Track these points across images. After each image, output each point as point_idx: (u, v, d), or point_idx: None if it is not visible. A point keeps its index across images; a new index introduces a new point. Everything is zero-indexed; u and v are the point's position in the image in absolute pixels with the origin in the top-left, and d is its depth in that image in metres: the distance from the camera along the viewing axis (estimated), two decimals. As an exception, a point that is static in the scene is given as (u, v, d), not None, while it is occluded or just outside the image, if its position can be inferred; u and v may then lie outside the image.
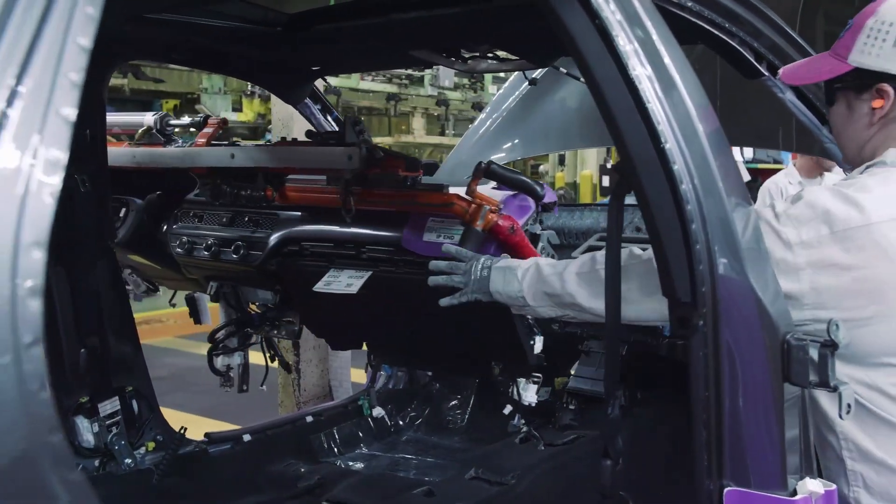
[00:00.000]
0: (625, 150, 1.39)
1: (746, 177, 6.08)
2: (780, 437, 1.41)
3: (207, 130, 2.75)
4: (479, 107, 18.05)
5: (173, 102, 16.48)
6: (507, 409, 3.15)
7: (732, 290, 1.38)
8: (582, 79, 2.72)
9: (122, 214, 2.87)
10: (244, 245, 2.65)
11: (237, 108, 14.63)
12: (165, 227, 2.88)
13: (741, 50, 1.92)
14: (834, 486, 1.44)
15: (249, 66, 2.80)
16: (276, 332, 3.08)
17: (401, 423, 3.45)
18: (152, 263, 3.00)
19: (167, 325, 8.95)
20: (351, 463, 3.18)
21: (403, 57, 2.68)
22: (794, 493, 1.40)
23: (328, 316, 2.88)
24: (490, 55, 2.56)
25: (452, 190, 2.26)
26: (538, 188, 2.29)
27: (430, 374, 3.57)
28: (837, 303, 1.48)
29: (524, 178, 2.30)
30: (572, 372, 3.37)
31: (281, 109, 4.15)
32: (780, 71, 1.85)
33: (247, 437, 3.01)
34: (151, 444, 2.80)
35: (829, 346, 1.35)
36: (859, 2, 3.57)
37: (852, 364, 1.50)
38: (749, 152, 8.54)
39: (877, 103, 1.61)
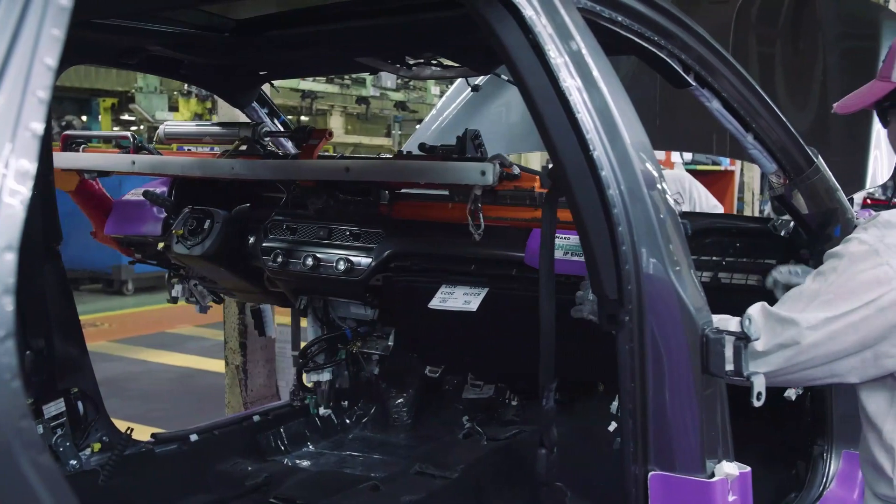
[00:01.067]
0: (556, 158, 1.48)
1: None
2: (700, 425, 1.51)
3: (313, 142, 2.67)
4: (402, 106, 17.94)
5: (111, 101, 16.23)
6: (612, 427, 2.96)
7: (656, 288, 1.48)
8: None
9: (206, 226, 2.81)
10: (348, 259, 2.62)
11: (174, 107, 14.47)
12: (253, 240, 2.84)
13: (669, 61, 2.01)
14: (748, 469, 1.55)
15: (198, 71, 2.83)
16: (366, 347, 3.06)
17: (347, 421, 3.51)
18: (234, 276, 2.95)
19: (101, 329, 8.89)
20: (298, 461, 3.23)
21: (349, 63, 2.74)
22: (713, 475, 1.50)
23: (428, 332, 2.86)
24: (434, 62, 2.64)
25: None
26: (679, 205, 2.30)
27: (376, 372, 3.62)
28: None
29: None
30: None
31: (227, 112, 4.18)
32: (835, 106, 1.93)
33: (194, 437, 3.04)
34: (97, 446, 2.81)
35: (743, 339, 1.46)
36: (783, 27, 3.73)
37: None
38: (688, 154, 8.76)
39: None
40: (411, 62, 2.64)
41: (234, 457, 3.12)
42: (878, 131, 3.04)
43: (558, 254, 2.28)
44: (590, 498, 2.55)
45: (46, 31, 0.74)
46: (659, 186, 1.55)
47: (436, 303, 2.42)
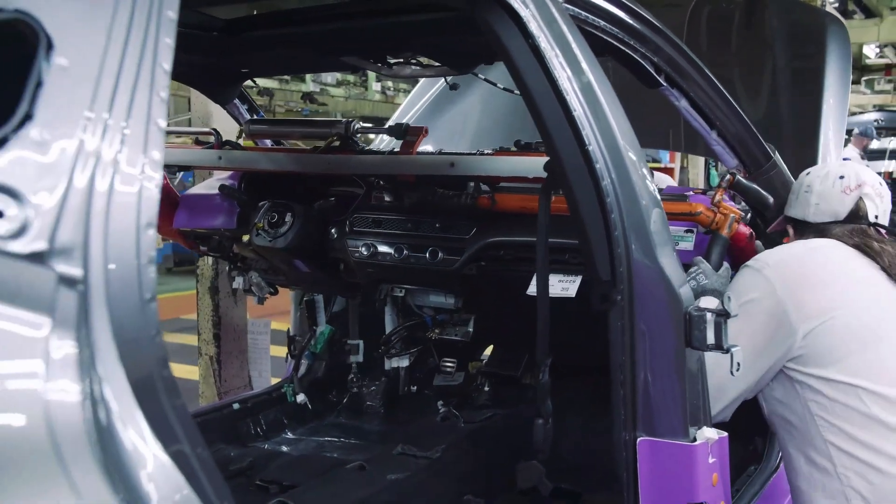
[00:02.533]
0: (554, 152, 1.62)
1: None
2: (683, 394, 1.66)
3: (411, 138, 2.74)
4: (309, 98, 17.87)
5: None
6: None
7: (645, 270, 1.63)
8: (499, 85, 2.96)
9: (286, 219, 2.85)
10: (442, 250, 2.69)
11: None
12: (336, 232, 2.90)
13: (643, 63, 2.17)
14: (725, 434, 1.71)
15: (184, 68, 2.90)
16: (445, 334, 3.12)
17: (323, 408, 3.62)
18: (311, 267, 3.01)
19: None
20: (278, 447, 3.33)
21: (332, 62, 2.85)
22: (695, 439, 1.66)
23: (512, 320, 2.91)
24: (414, 61, 2.76)
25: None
26: (770, 202, 2.48)
27: (354, 364, 3.73)
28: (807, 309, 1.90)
29: (762, 191, 2.47)
30: (483, 357, 3.62)
31: (200, 108, 4.23)
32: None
33: None
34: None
35: (723, 315, 1.62)
36: (733, 30, 3.93)
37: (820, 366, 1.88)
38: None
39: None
40: (392, 61, 2.75)
41: (216, 443, 3.21)
42: (826, 130, 3.26)
43: None
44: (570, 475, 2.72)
45: (163, 41, 0.86)
46: (644, 175, 1.71)
47: (532, 290, 2.41)
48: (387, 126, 2.94)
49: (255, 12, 2.46)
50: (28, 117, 0.69)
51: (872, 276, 1.99)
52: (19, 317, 0.64)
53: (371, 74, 18.70)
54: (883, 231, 2.12)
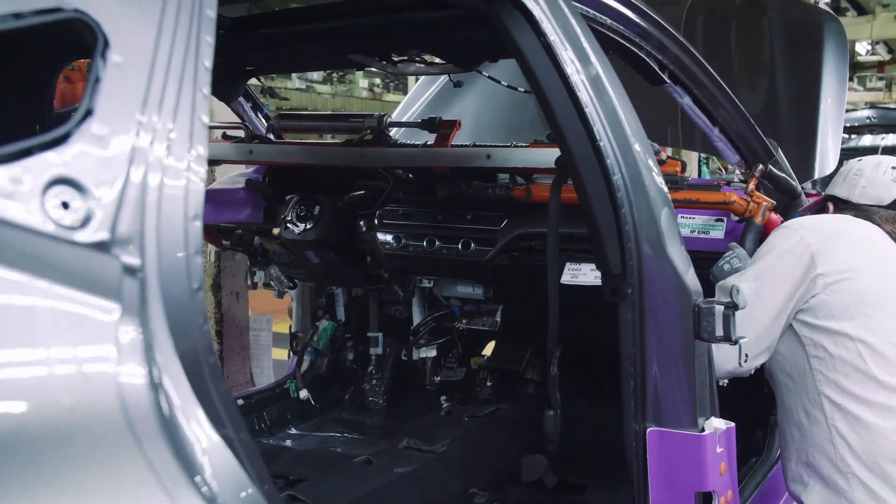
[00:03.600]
0: (566, 147, 1.65)
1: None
2: (692, 385, 1.70)
3: (445, 131, 2.79)
4: (270, 92, 17.92)
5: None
6: None
7: (654, 264, 1.67)
8: (504, 82, 2.98)
9: (315, 212, 2.87)
10: (474, 241, 2.72)
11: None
12: (364, 225, 2.92)
13: (648, 61, 2.20)
14: (733, 424, 1.75)
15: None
16: (473, 324, 3.15)
17: (326, 404, 3.65)
18: (338, 259, 3.03)
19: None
20: (282, 442, 3.35)
21: (337, 60, 2.87)
22: (703, 429, 1.70)
23: (540, 310, 2.96)
24: (418, 59, 2.79)
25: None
26: (799, 191, 2.58)
27: (350, 357, 3.76)
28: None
29: (791, 181, 2.59)
30: (484, 353, 3.65)
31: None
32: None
33: None
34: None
35: (732, 308, 1.65)
36: (731, 28, 3.95)
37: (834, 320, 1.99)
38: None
39: None
40: (396, 59, 2.78)
41: None
42: (825, 127, 3.30)
43: (685, 231, 2.45)
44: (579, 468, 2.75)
45: (203, 39, 0.88)
46: (654, 170, 1.74)
47: (567, 279, 2.52)
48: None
49: (250, 13, 2.48)
50: (89, 112, 0.72)
51: None
52: (95, 303, 0.67)
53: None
54: None
